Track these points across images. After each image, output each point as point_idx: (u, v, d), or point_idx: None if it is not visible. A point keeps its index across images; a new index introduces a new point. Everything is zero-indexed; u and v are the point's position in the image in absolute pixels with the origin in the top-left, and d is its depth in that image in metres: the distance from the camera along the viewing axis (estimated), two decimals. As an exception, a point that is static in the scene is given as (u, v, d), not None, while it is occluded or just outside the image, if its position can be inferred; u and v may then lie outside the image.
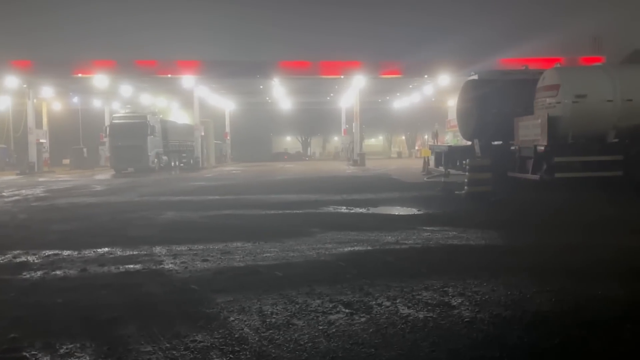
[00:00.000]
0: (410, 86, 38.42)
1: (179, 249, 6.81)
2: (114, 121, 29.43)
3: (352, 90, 34.24)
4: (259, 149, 58.01)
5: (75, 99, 38.82)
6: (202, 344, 3.55)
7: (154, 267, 5.86)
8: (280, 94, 38.92)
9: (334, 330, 3.74)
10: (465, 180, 12.11)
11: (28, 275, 5.65)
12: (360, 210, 10.49)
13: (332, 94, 42.20)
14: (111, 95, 36.01)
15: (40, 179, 24.87)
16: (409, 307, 4.19)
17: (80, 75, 29.54)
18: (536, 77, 14.79)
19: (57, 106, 40.40)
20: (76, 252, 6.80)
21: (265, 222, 9.29)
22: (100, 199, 14.39)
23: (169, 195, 14.82)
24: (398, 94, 44.31)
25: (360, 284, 4.88)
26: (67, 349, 3.55)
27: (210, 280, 5.23)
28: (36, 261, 6.34)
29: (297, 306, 4.28)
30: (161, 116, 33.78)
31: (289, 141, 70.76)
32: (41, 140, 33.41)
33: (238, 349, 3.45)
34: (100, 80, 29.51)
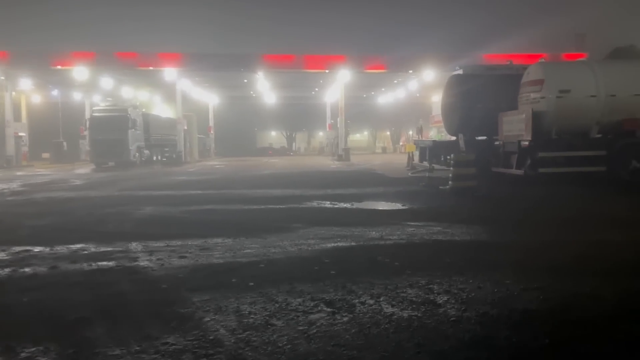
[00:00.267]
0: (395, 81, 38.35)
1: (155, 245, 6.57)
2: (94, 114, 28.81)
3: (336, 85, 34.02)
4: (244, 144, 57.56)
5: (55, 92, 37.99)
6: (174, 346, 3.34)
7: (128, 264, 5.62)
8: (265, 88, 38.55)
9: (314, 330, 3.56)
10: (450, 175, 12.02)
11: (-6, 273, 5.38)
12: (344, 205, 10.32)
13: (317, 89, 41.96)
14: (92, 88, 35.30)
15: (18, 173, 24.28)
16: (393, 306, 4.03)
17: (59, 67, 28.89)
18: (520, 73, 14.78)
19: (37, 99, 39.55)
20: (48, 248, 6.52)
21: (247, 217, 9.07)
22: (78, 194, 14.01)
23: (150, 190, 14.50)
24: (383, 89, 44.23)
25: (342, 281, 4.71)
26: (28, 352, 3.31)
27: (186, 278, 5.01)
28: (5, 258, 6.05)
29: (277, 305, 4.09)
30: (144, 110, 33.23)
31: (274, 136, 70.39)
32: (20, 134, 32.64)
33: (212, 352, 3.25)
34: (79, 72, 28.86)
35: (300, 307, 4.04)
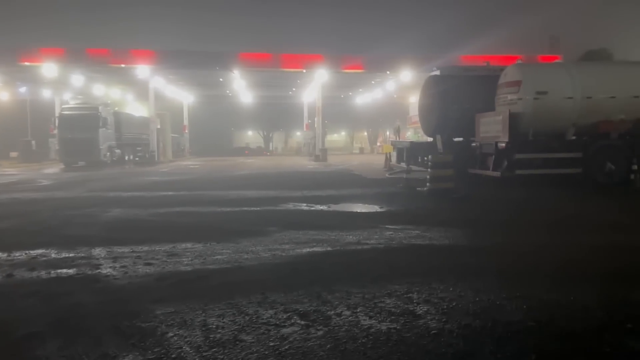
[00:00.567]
0: (373, 82, 38.27)
1: (120, 250, 6.22)
2: (63, 112, 27.95)
3: (314, 85, 33.77)
4: (220, 144, 56.93)
5: (24, 89, 36.82)
6: (131, 367, 3.04)
7: (90, 272, 5.26)
8: (241, 87, 38.04)
9: (286, 347, 3.30)
10: (427, 176, 11.89)
11: (-59, 283, 4.97)
12: (321, 208, 10.08)
13: (294, 88, 41.60)
14: (62, 85, 34.26)
15: (-18, 173, 23.38)
16: (370, 317, 3.79)
17: (27, 63, 27.91)
18: (497, 74, 14.77)
19: (4, 96, 38.25)
20: (5, 254, 6.11)
21: (219, 220, 8.75)
22: (44, 194, 13.46)
23: (119, 191, 14.01)
24: (360, 90, 44.13)
25: (318, 290, 4.45)
26: (-33, 376, 2.98)
27: (151, 287, 4.69)
28: (-45, 266, 5.63)
29: (247, 318, 3.82)
30: (117, 108, 32.41)
31: (251, 136, 69.82)
32: (-15, 132, 31.53)
33: (173, 373, 2.96)
34: (48, 69, 27.92)
35: (272, 319, 3.77)
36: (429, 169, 11.91)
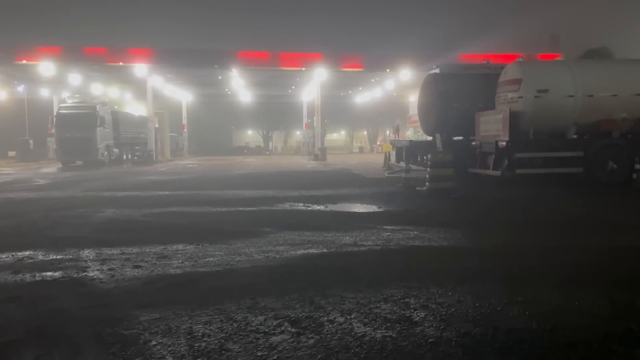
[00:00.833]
0: (372, 80, 38.09)
1: (110, 252, 6.03)
2: (60, 111, 27.76)
3: (313, 84, 33.58)
4: (219, 143, 56.73)
5: (21, 88, 36.61)
6: (108, 380, 2.86)
7: (76, 276, 5.08)
8: (240, 86, 37.87)
9: (275, 357, 3.11)
10: (427, 176, 11.71)
11: None
12: (318, 208, 9.89)
13: (293, 87, 41.42)
14: (60, 84, 34.10)
15: (-21, 172, 23.19)
16: (365, 324, 3.61)
17: (24, 62, 27.74)
18: (498, 72, 14.58)
19: (2, 95, 38.05)
20: (-9, 257, 5.93)
21: (214, 221, 8.56)
22: (39, 194, 13.28)
23: (115, 191, 13.83)
24: (360, 89, 43.96)
25: (311, 295, 4.27)
26: None
27: (137, 291, 4.51)
28: (-63, 268, 5.44)
29: (235, 325, 3.63)
30: (116, 107, 32.23)
31: (250, 135, 69.62)
32: (-17, 131, 31.34)
33: (153, 386, 2.78)
34: (46, 68, 27.75)
35: (261, 327, 3.59)
36: (428, 168, 11.72)
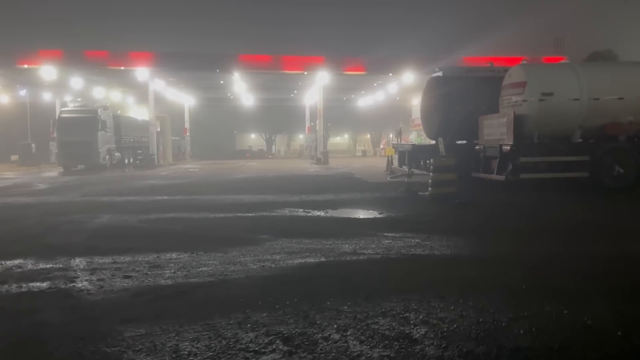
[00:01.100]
0: (375, 84, 37.90)
1: (101, 261, 5.85)
2: (62, 115, 27.65)
3: (315, 87, 33.40)
4: (222, 146, 56.62)
5: (24, 92, 36.59)
6: (84, 405, 2.66)
7: (63, 286, 4.90)
8: (242, 90, 37.73)
9: (264, 379, 2.92)
10: (430, 180, 11.49)
11: None
12: (318, 213, 9.69)
13: (296, 91, 41.28)
14: (62, 88, 34.01)
15: (-20, 177, 23.11)
16: (361, 342, 3.41)
17: (25, 66, 27.67)
18: (501, 75, 14.37)
19: (4, 99, 38.05)
20: (-21, 265, 5.76)
21: (210, 227, 8.37)
22: (37, 199, 13.14)
23: (114, 195, 13.67)
24: (363, 92, 43.77)
25: (306, 308, 4.07)
26: None
27: (125, 304, 4.31)
28: None
29: (224, 342, 3.43)
30: (119, 111, 32.13)
31: (254, 139, 69.52)
32: (-15, 135, 31.30)
33: (130, 413, 2.58)
34: (47, 71, 27.67)
35: (251, 344, 3.39)
36: (431, 173, 11.51)
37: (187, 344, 3.42)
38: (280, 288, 4.68)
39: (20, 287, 4.94)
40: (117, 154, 28.97)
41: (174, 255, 6.08)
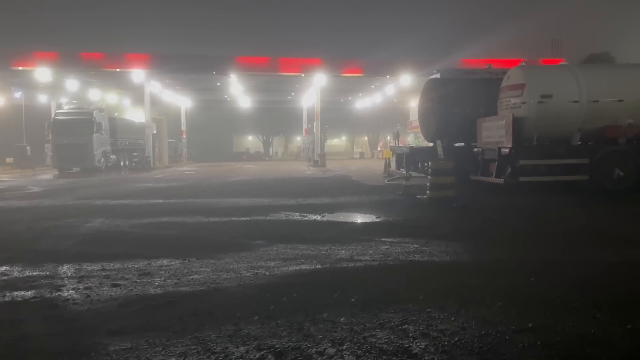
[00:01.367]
0: (373, 86, 37.82)
1: (90, 268, 5.67)
2: (57, 117, 27.45)
3: (312, 89, 33.27)
4: (219, 149, 56.43)
5: (19, 94, 36.38)
6: None
7: (49, 295, 4.71)
8: (239, 92, 37.60)
9: (254, 399, 2.74)
10: (427, 184, 11.34)
11: None
12: (315, 217, 9.52)
13: (293, 93, 41.18)
14: (57, 90, 33.85)
15: (-27, 179, 22.87)
16: (358, 357, 3.23)
17: (20, 68, 27.48)
18: (500, 77, 14.22)
19: (-1, 101, 37.89)
20: (-36, 273, 5.57)
21: (204, 232, 8.19)
22: (30, 203, 12.94)
23: (108, 199, 13.48)
24: (360, 94, 43.70)
25: (300, 320, 3.89)
26: None
27: (111, 315, 4.13)
28: None
29: (213, 358, 3.26)
30: (115, 114, 31.92)
31: (251, 141, 69.40)
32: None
33: None
34: (42, 73, 27.49)
35: (241, 360, 3.21)
36: (429, 176, 11.35)
37: (173, 359, 3.24)
38: (274, 297, 4.50)
39: (4, 296, 4.75)
40: (112, 157, 28.77)
41: (165, 261, 5.90)
